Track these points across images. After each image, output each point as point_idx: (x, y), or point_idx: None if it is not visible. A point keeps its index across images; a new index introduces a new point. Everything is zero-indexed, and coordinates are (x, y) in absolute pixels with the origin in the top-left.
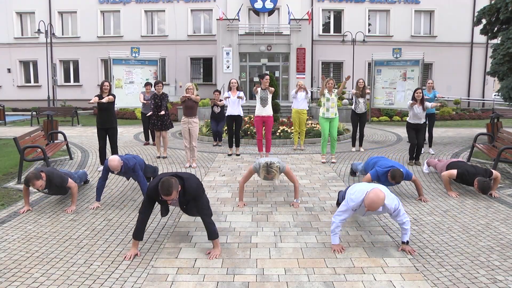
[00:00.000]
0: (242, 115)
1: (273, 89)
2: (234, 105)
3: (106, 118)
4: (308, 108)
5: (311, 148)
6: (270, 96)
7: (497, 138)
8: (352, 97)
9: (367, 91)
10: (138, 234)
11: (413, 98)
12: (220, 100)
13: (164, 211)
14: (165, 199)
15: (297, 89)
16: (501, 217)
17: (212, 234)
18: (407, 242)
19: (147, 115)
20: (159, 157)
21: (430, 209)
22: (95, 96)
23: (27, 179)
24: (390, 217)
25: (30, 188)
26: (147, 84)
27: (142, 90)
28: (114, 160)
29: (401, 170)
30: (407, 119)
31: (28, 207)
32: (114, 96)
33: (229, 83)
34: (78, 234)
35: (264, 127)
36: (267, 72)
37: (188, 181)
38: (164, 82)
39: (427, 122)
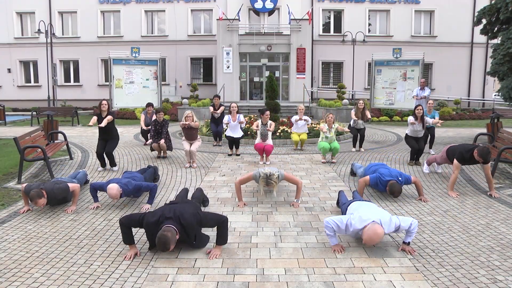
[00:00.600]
0: (241, 137)
1: (273, 125)
2: (234, 129)
3: (107, 135)
4: (308, 131)
5: (311, 148)
6: (270, 133)
7: (497, 138)
8: (351, 119)
9: (367, 114)
10: (128, 240)
11: (414, 114)
12: (220, 106)
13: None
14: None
15: (298, 118)
16: (501, 217)
17: (223, 240)
18: (408, 243)
19: (145, 144)
20: (159, 157)
21: (430, 209)
22: (94, 115)
23: (30, 198)
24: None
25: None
26: (149, 105)
27: (143, 110)
28: (113, 189)
29: (400, 185)
30: (406, 131)
31: (28, 207)
32: (113, 115)
33: (229, 107)
34: (78, 234)
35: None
36: (266, 108)
37: (184, 218)
38: (164, 82)
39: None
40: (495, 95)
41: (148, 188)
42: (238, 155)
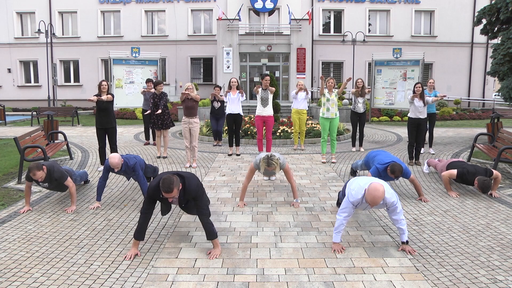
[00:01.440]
0: (242, 114)
1: (273, 89)
2: (234, 103)
3: (105, 118)
4: (308, 109)
5: (311, 148)
6: (270, 96)
7: (497, 138)
8: (351, 97)
9: (366, 90)
10: (140, 234)
11: (413, 92)
12: (220, 95)
13: (165, 210)
14: (166, 197)
15: (298, 89)
16: (502, 217)
17: (211, 234)
18: (407, 242)
19: (145, 113)
20: (159, 157)
21: (430, 209)
22: (94, 95)
23: (28, 168)
24: (387, 212)
25: (32, 187)
26: (149, 80)
27: (144, 86)
28: (114, 157)
29: (401, 164)
30: (408, 114)
31: (28, 207)
32: (113, 96)
33: (229, 82)
34: (78, 234)
35: (264, 127)
36: (267, 72)
37: (188, 180)
38: (164, 82)
39: (427, 120)
40: (495, 95)
41: (139, 179)
42: (238, 155)
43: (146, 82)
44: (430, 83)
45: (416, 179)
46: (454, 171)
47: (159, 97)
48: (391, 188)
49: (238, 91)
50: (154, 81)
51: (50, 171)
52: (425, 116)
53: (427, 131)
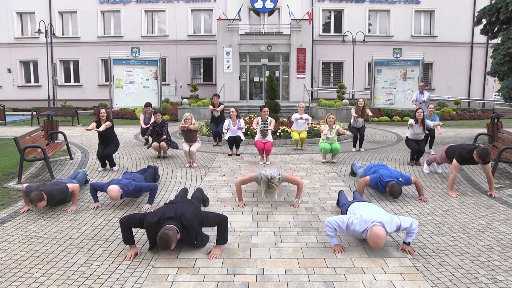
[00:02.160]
0: (242, 137)
1: (273, 121)
2: (235, 133)
3: (107, 141)
4: (308, 128)
5: (311, 148)
6: (269, 129)
7: (497, 138)
8: (351, 117)
9: (368, 112)
10: (128, 240)
11: (414, 117)
12: (220, 105)
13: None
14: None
15: (299, 117)
16: (501, 217)
17: (223, 239)
18: (409, 243)
19: (145, 144)
20: (159, 157)
21: (430, 209)
22: (93, 121)
23: (30, 200)
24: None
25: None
26: (147, 105)
27: (142, 110)
28: (113, 190)
29: (400, 186)
30: (407, 134)
31: (28, 207)
32: (112, 122)
33: (229, 112)
34: (78, 234)
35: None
36: (265, 104)
37: (185, 218)
38: (164, 82)
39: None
40: (495, 95)
41: (148, 188)
42: (238, 155)
43: (144, 107)
44: (430, 108)
45: (419, 181)
46: (455, 162)
47: (160, 126)
48: (389, 214)
49: (238, 120)
50: (151, 105)
51: (50, 197)
52: (423, 137)
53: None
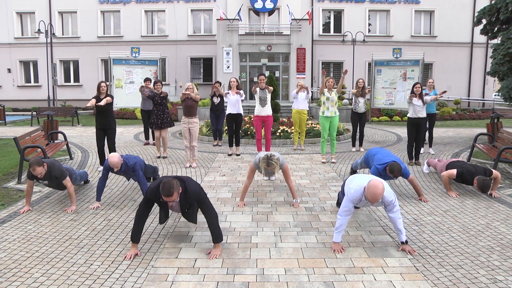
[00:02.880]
0: (242, 113)
1: (271, 88)
2: (234, 104)
3: (105, 120)
4: (308, 109)
5: (311, 148)
6: (269, 96)
7: (497, 138)
8: (352, 97)
9: (367, 90)
10: (135, 236)
11: (412, 91)
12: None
13: (163, 217)
14: (166, 201)
15: (298, 89)
16: (501, 217)
17: (218, 237)
18: (406, 242)
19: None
20: (159, 157)
21: (430, 209)
22: (93, 98)
23: (29, 164)
24: (385, 210)
25: (33, 187)
26: (147, 79)
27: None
28: (114, 157)
29: (400, 164)
30: (408, 114)
31: (28, 207)
32: (112, 97)
33: (229, 82)
34: (78, 234)
35: (263, 127)
36: (265, 73)
37: (189, 184)
38: (164, 82)
39: (427, 120)
40: (495, 95)
41: (139, 179)
42: (238, 155)
43: (144, 81)
44: (429, 82)
45: (416, 179)
46: (453, 171)
47: (159, 96)
48: (390, 186)
49: (237, 90)
50: (152, 80)
51: (50, 168)
52: (425, 115)
53: (427, 131)
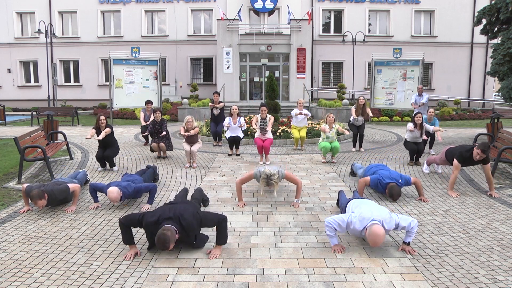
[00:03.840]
0: (242, 136)
1: (272, 120)
2: (234, 131)
3: (107, 149)
4: (307, 124)
5: (311, 148)
6: (269, 126)
7: (497, 138)
8: (350, 115)
9: (369, 112)
10: (128, 240)
11: (413, 121)
12: (220, 102)
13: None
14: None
15: (298, 112)
16: (501, 217)
17: (223, 239)
18: (409, 243)
19: (145, 144)
20: (159, 157)
21: (430, 209)
22: (92, 128)
23: (30, 197)
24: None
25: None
26: (148, 102)
27: (143, 108)
28: (113, 192)
29: (399, 187)
30: (405, 137)
31: (28, 207)
32: (111, 128)
33: (230, 109)
34: (78, 234)
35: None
36: (264, 102)
37: (185, 220)
38: (164, 82)
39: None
40: (495, 95)
41: (148, 189)
42: (238, 155)
43: (145, 104)
44: (430, 113)
45: (419, 180)
46: (457, 163)
47: (159, 125)
48: (388, 212)
49: (239, 118)
50: (152, 103)
51: (51, 196)
52: (421, 140)
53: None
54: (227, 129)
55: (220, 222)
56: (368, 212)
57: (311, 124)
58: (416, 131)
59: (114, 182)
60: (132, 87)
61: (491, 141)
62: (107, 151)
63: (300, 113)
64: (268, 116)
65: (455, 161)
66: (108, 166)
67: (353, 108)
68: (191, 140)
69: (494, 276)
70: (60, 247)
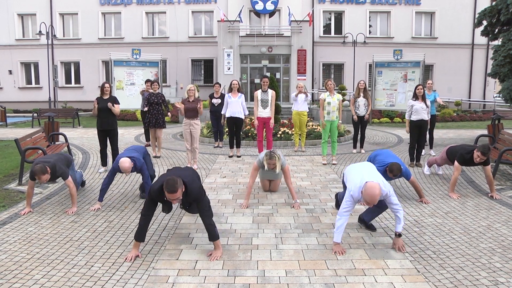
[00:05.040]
0: (243, 117)
1: (274, 94)
2: (235, 106)
3: (106, 120)
4: (308, 110)
5: (312, 149)
6: (271, 99)
7: (498, 140)
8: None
9: (368, 98)
10: (140, 235)
11: (414, 94)
12: (221, 94)
13: (167, 209)
14: (169, 198)
15: (297, 92)
16: (503, 219)
17: (213, 236)
18: (400, 234)
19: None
20: (155, 157)
21: (431, 211)
22: (96, 98)
23: (33, 171)
24: (385, 201)
25: (34, 188)
26: (148, 80)
27: (142, 87)
28: (125, 162)
29: (400, 164)
30: (411, 117)
31: (29, 209)
32: (118, 102)
33: (230, 84)
34: (79, 235)
35: (264, 128)
36: (267, 74)
37: (190, 184)
38: (165, 84)
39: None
40: (496, 97)
41: (144, 178)
42: (239, 156)
43: (145, 82)
44: (429, 84)
45: (417, 181)
46: (458, 165)
47: (156, 96)
48: (383, 179)
49: (240, 94)
50: (152, 81)
51: (53, 171)
52: (428, 118)
53: (427, 134)
54: (228, 101)
55: (209, 216)
56: (358, 177)
57: (312, 125)
58: (419, 102)
59: (123, 153)
60: (133, 88)
61: (492, 142)
62: (111, 142)
63: (300, 92)
64: (270, 90)
65: (456, 162)
66: (109, 166)
67: (352, 98)
68: (191, 112)
69: (496, 278)
70: (61, 248)
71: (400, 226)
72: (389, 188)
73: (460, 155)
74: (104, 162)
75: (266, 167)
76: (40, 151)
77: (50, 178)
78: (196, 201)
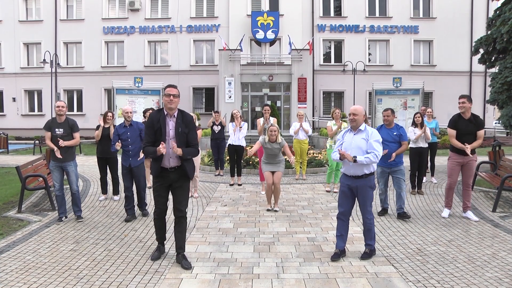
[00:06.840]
0: (244, 145)
1: (275, 120)
2: (237, 136)
3: (107, 148)
4: (308, 139)
5: (313, 177)
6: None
7: (499, 166)
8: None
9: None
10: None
11: (413, 123)
12: (220, 122)
13: (155, 169)
14: (168, 93)
15: (297, 130)
16: (508, 247)
17: (190, 153)
18: (355, 160)
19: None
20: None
21: (434, 239)
22: (97, 127)
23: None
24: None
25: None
26: (147, 110)
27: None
28: (127, 106)
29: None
30: (409, 145)
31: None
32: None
33: (231, 114)
34: (78, 264)
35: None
36: (268, 102)
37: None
38: None
39: (429, 150)
40: (495, 123)
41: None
42: (240, 185)
43: (144, 113)
44: (428, 112)
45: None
46: (451, 131)
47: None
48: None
49: (243, 123)
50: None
51: (68, 119)
52: (426, 145)
53: (429, 161)
54: (229, 130)
55: (195, 146)
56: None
57: (313, 153)
58: (418, 130)
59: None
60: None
61: (493, 169)
62: (111, 170)
63: (301, 128)
64: (271, 118)
65: (448, 129)
66: (110, 194)
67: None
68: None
69: None
70: (59, 277)
71: (364, 159)
72: (379, 138)
73: (449, 122)
74: (104, 190)
75: (267, 139)
76: (41, 179)
77: (66, 123)
78: (187, 125)
